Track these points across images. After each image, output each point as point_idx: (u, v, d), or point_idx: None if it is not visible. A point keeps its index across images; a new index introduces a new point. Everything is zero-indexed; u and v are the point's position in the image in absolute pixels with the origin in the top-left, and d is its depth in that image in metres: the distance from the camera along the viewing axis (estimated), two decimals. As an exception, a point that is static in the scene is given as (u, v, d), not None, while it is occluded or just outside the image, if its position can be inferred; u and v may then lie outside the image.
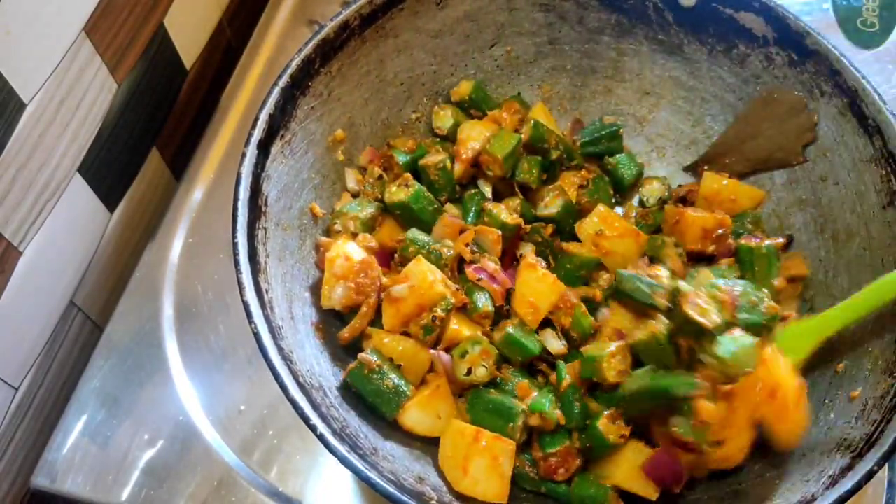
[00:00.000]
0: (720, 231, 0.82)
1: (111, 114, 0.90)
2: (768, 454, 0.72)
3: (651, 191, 0.89)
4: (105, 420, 0.85)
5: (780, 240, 0.80)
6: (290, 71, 0.76)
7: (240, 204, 0.70)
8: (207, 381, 0.87)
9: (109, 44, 0.86)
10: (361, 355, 0.72)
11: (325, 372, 0.73)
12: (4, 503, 0.88)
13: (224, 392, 0.86)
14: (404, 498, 0.62)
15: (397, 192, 0.81)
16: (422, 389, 0.75)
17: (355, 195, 0.85)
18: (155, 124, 1.01)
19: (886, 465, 0.83)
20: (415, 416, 0.73)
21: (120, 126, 0.93)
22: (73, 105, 0.83)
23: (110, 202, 0.95)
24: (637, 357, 0.73)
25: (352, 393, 0.73)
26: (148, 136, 1.01)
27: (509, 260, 0.83)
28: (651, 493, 0.72)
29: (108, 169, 0.93)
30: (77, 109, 0.84)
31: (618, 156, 0.89)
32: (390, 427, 0.73)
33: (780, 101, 0.83)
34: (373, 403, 0.72)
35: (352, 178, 0.85)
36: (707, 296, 0.70)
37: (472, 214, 0.84)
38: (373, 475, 0.63)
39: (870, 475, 0.63)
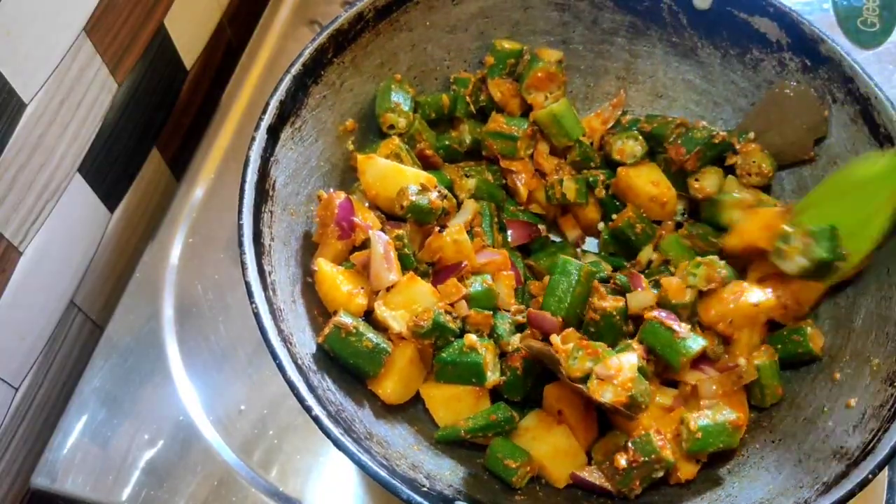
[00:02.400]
0: None
1: (111, 114, 0.90)
2: (764, 460, 0.72)
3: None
4: (105, 420, 0.85)
5: None
6: (302, 59, 0.76)
7: (247, 186, 0.71)
8: (207, 381, 0.87)
9: (109, 44, 0.86)
10: (336, 319, 0.71)
11: (324, 356, 0.73)
12: (4, 503, 0.88)
13: (224, 392, 0.86)
14: (396, 483, 0.62)
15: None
16: (393, 361, 0.74)
17: None
18: (155, 124, 1.01)
19: (886, 466, 0.83)
20: (389, 387, 0.73)
21: (120, 126, 0.93)
22: (73, 105, 0.83)
23: (110, 202, 0.95)
24: None
25: (351, 379, 0.73)
26: (148, 136, 1.01)
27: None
28: (560, 481, 0.73)
29: (108, 169, 0.93)
30: (77, 109, 0.84)
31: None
32: (387, 413, 0.73)
33: (792, 97, 0.83)
34: (354, 365, 0.72)
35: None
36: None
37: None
38: (365, 458, 0.63)
39: (864, 483, 0.63)
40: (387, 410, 0.74)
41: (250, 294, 0.67)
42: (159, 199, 1.05)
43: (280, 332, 0.67)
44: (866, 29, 1.08)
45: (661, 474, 0.70)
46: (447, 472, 0.71)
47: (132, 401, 0.86)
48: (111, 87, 0.89)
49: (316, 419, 0.63)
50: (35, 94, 0.77)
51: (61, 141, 0.83)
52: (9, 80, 0.73)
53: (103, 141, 0.90)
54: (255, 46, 1.07)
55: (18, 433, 0.88)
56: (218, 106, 1.03)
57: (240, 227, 0.69)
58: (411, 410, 0.75)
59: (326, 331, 0.71)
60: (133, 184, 0.99)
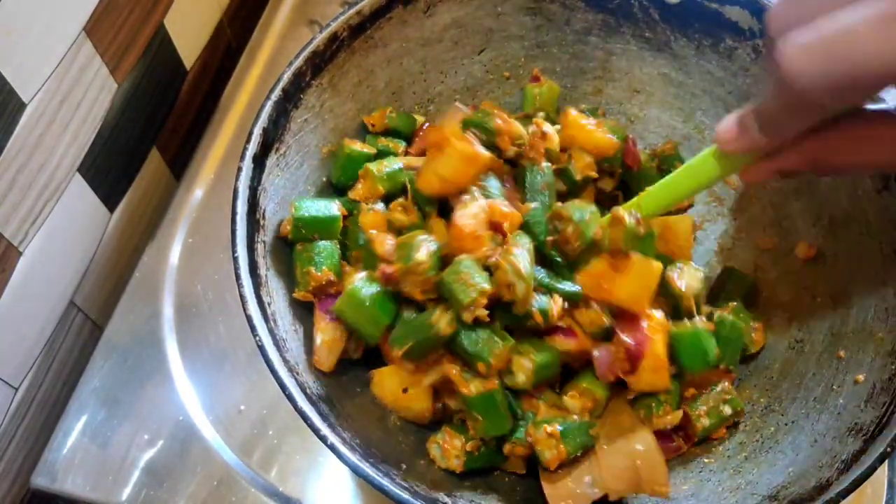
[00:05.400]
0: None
1: (111, 114, 0.90)
2: (779, 443, 0.72)
3: None
4: (105, 420, 0.85)
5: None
6: (281, 84, 0.76)
7: (238, 218, 0.70)
8: (207, 381, 0.87)
9: (109, 44, 0.86)
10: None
11: (331, 382, 0.73)
12: (4, 503, 0.88)
13: (224, 392, 0.86)
14: None
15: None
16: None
17: None
18: (155, 124, 1.02)
19: (887, 466, 0.83)
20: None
21: (120, 126, 0.93)
22: (73, 105, 0.83)
23: (110, 202, 0.95)
24: None
25: (358, 403, 0.73)
26: (148, 136, 1.01)
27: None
28: None
29: (108, 169, 0.93)
30: (77, 109, 0.84)
31: None
32: (401, 434, 0.73)
33: None
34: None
35: None
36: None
37: None
38: (386, 483, 0.62)
39: (883, 457, 0.63)
40: (401, 432, 0.74)
41: (252, 328, 0.66)
42: (159, 199, 1.05)
43: (286, 362, 0.67)
44: (866, 29, 1.08)
45: (729, 411, 0.74)
46: (466, 487, 0.71)
47: (132, 401, 0.86)
48: (111, 87, 0.89)
49: (332, 447, 0.63)
50: (35, 94, 0.77)
51: (61, 141, 0.83)
52: (9, 80, 0.73)
53: (103, 141, 0.90)
54: (254, 46, 1.07)
55: (18, 433, 0.88)
56: (218, 106, 1.03)
57: (235, 260, 0.68)
58: (427, 433, 0.75)
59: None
60: (133, 184, 0.99)
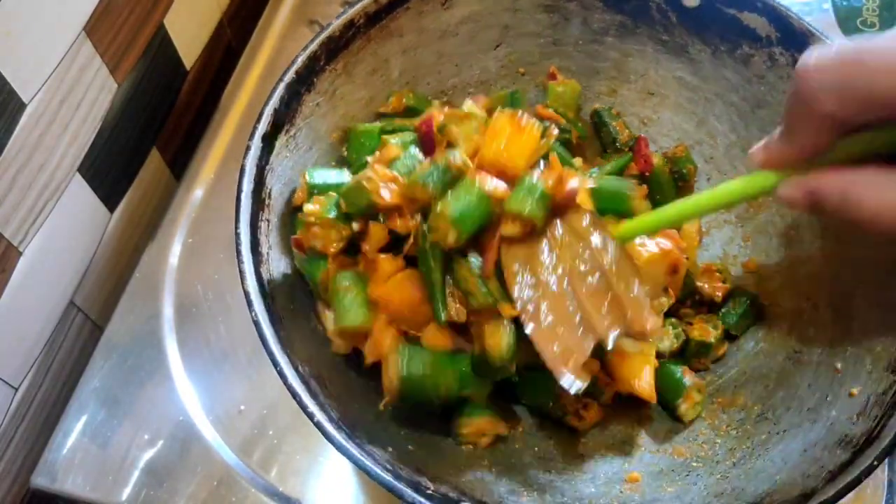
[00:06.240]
0: None
1: (111, 114, 0.90)
2: (769, 451, 0.72)
3: None
4: (105, 420, 0.85)
5: None
6: (295, 67, 0.76)
7: (243, 196, 0.71)
8: (207, 381, 0.87)
9: (109, 44, 0.86)
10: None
11: (326, 362, 0.73)
12: (4, 503, 0.88)
13: (224, 392, 0.86)
14: (401, 486, 0.62)
15: None
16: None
17: None
18: (155, 124, 1.02)
19: (886, 467, 0.83)
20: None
21: (120, 126, 0.93)
22: (73, 105, 0.83)
23: (110, 202, 0.95)
24: None
25: (351, 384, 0.73)
26: (148, 136, 1.01)
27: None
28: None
29: (108, 169, 0.93)
30: (77, 109, 0.84)
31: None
32: (390, 418, 0.73)
33: None
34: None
35: None
36: None
37: None
38: (369, 463, 0.63)
39: (869, 470, 0.63)
40: (391, 416, 0.74)
41: (249, 303, 0.67)
42: (159, 199, 1.05)
43: (280, 339, 0.67)
44: (866, 29, 1.08)
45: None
46: (451, 473, 0.71)
47: (132, 401, 0.86)
48: (111, 87, 0.89)
49: (318, 425, 0.63)
50: (35, 94, 0.77)
51: (61, 141, 0.83)
52: (9, 80, 0.73)
53: (103, 141, 0.90)
54: (254, 46, 1.07)
55: (18, 433, 0.88)
56: (218, 106, 1.03)
57: (237, 236, 0.69)
58: (414, 416, 0.75)
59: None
60: (133, 184, 0.99)
